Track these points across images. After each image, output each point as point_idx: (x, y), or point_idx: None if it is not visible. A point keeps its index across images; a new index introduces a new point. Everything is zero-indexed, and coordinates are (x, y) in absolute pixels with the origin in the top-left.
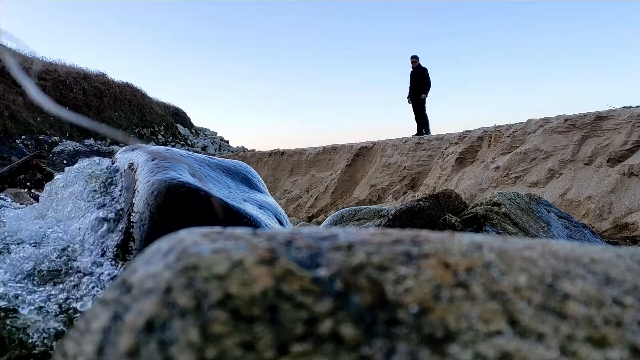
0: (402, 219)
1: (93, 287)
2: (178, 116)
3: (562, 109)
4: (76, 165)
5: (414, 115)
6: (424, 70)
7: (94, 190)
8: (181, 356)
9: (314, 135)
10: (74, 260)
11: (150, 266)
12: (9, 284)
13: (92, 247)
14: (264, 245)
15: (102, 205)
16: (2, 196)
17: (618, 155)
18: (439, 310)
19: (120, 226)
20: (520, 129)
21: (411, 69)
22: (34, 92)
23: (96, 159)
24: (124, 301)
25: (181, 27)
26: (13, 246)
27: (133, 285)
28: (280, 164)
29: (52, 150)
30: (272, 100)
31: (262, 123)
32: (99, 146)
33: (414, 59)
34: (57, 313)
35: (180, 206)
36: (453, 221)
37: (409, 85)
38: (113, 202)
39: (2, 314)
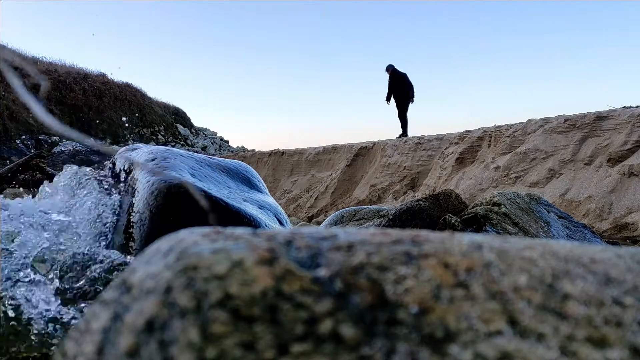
0: (402, 219)
1: (94, 288)
2: (178, 116)
3: (562, 109)
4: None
5: (399, 118)
6: (404, 75)
7: (95, 191)
8: (181, 356)
9: (314, 135)
10: (75, 261)
11: (150, 266)
12: (11, 284)
13: (94, 247)
14: (264, 245)
15: (103, 206)
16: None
17: (618, 155)
18: (439, 310)
19: (121, 226)
20: (520, 129)
21: (393, 76)
22: (37, 109)
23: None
24: (124, 301)
25: (181, 27)
26: (15, 246)
27: (133, 285)
28: (280, 164)
29: (52, 150)
30: (272, 100)
31: (262, 123)
32: (105, 145)
33: (389, 69)
34: (58, 313)
35: (180, 206)
36: (453, 221)
37: (391, 91)
38: (113, 203)
39: (3, 314)
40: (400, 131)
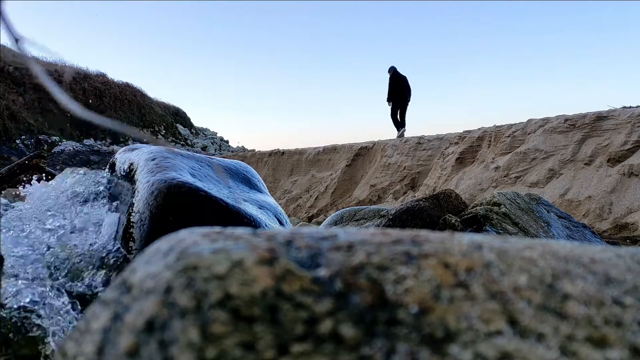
0: (402, 219)
1: (94, 288)
2: (178, 116)
3: (562, 109)
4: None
5: (399, 117)
6: (404, 78)
7: (95, 191)
8: (181, 356)
9: (314, 135)
10: (75, 260)
11: (150, 266)
12: (11, 284)
13: (94, 247)
14: (264, 245)
15: (103, 206)
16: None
17: (618, 155)
18: (439, 310)
19: (121, 226)
20: (520, 129)
21: (393, 77)
22: (63, 98)
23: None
24: (124, 301)
25: (181, 27)
26: (15, 246)
27: (133, 285)
28: (280, 164)
29: (52, 150)
30: (272, 100)
31: (262, 123)
32: (99, 146)
33: (390, 71)
34: (58, 313)
35: (180, 206)
36: (453, 221)
37: (389, 90)
38: (113, 203)
39: (3, 315)
40: (396, 132)
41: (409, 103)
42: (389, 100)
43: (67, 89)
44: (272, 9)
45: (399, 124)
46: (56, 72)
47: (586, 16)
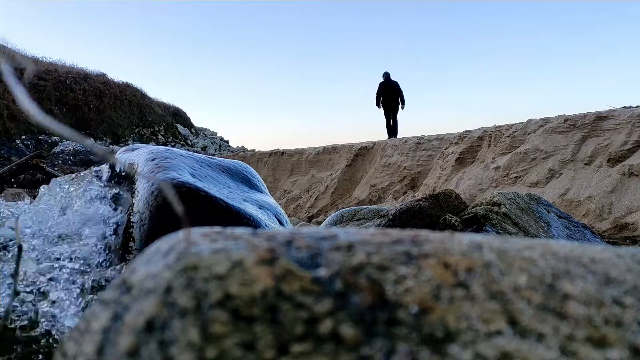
0: (402, 219)
1: (94, 288)
2: (178, 116)
3: (562, 109)
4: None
5: (391, 121)
6: (395, 83)
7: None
8: (181, 356)
9: (314, 135)
10: (76, 261)
11: (150, 266)
12: (13, 284)
13: (94, 247)
14: (264, 245)
15: (103, 206)
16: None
17: (618, 155)
18: (439, 310)
19: (120, 226)
20: (520, 129)
21: (383, 83)
22: (23, 99)
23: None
24: (124, 301)
25: (181, 27)
26: (14, 247)
27: (133, 285)
28: (280, 164)
29: (52, 150)
30: (272, 100)
31: (262, 123)
32: (99, 146)
33: (383, 76)
34: (60, 313)
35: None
36: (453, 221)
37: (380, 96)
38: (113, 203)
39: (3, 315)
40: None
41: (403, 107)
42: (377, 105)
43: (27, 86)
44: (272, 9)
45: (392, 130)
46: (56, 72)
47: (586, 16)
